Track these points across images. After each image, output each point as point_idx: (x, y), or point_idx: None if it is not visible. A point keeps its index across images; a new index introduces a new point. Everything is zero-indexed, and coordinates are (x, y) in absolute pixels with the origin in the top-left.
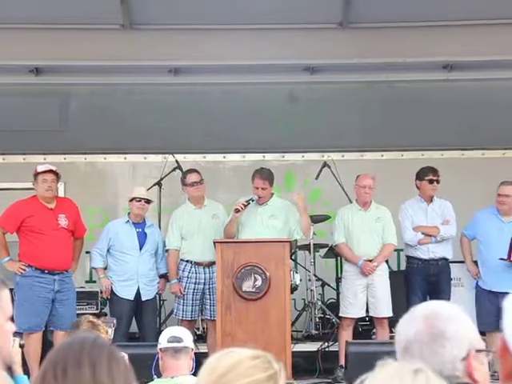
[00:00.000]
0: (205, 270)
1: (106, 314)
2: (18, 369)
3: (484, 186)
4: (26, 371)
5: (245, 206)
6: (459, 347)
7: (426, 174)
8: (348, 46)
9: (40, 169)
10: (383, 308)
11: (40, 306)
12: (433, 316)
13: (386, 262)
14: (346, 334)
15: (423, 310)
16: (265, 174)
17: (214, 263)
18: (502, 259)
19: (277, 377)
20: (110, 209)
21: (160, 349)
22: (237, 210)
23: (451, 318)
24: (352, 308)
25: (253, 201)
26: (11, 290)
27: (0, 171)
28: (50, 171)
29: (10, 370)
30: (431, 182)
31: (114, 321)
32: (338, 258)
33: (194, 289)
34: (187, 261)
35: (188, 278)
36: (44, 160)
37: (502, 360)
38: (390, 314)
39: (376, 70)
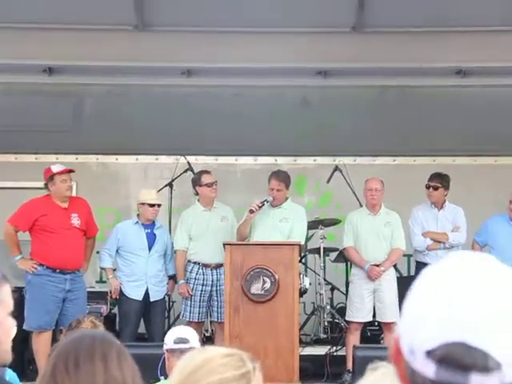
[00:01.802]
0: (212, 271)
1: (115, 315)
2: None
3: (496, 193)
4: (35, 370)
5: (259, 206)
6: None
7: (428, 180)
8: (361, 51)
9: (57, 169)
10: (390, 313)
11: (51, 304)
12: None
13: (395, 266)
14: (354, 338)
15: None
16: (281, 176)
17: (221, 265)
18: None
19: (250, 376)
20: (122, 209)
21: (166, 350)
22: (251, 211)
23: None
24: (359, 312)
25: (267, 202)
26: (22, 288)
27: (12, 170)
28: (68, 171)
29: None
30: (427, 187)
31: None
32: (348, 262)
33: (202, 290)
34: (195, 262)
35: (195, 279)
36: (56, 160)
37: (396, 364)
38: (398, 319)
39: (389, 74)
